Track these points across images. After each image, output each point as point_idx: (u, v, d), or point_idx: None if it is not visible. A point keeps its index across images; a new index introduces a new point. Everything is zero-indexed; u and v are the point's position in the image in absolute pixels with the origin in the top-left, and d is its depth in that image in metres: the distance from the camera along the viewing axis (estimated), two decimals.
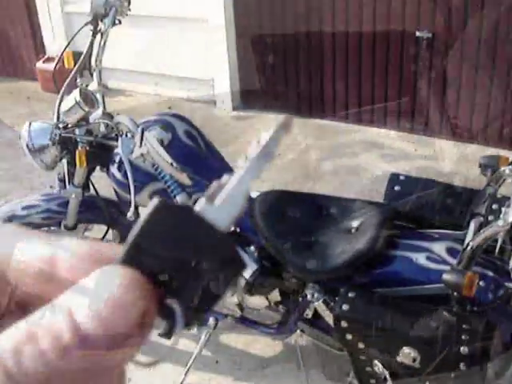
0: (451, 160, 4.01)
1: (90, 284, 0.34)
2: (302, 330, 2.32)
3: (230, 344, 2.69)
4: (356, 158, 4.11)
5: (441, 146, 4.17)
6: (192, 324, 0.37)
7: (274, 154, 0.38)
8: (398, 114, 4.33)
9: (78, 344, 0.32)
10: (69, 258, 0.36)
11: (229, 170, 2.32)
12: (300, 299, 2.27)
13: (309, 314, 2.25)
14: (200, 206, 0.36)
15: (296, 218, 2.19)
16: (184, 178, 1.77)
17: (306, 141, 4.37)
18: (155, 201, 0.36)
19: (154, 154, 1.73)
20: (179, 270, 0.36)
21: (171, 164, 1.72)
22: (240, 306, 2.37)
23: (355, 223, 2.12)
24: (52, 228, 2.79)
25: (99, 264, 0.35)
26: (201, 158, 2.23)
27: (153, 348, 2.68)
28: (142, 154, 1.76)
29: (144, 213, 0.36)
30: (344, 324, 1.89)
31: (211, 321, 2.47)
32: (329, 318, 2.17)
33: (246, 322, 2.47)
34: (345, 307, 1.90)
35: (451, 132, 4.19)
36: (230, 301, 2.35)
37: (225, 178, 0.37)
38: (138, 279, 0.35)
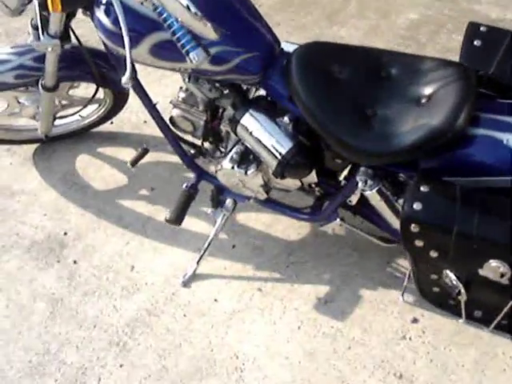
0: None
1: None
2: (341, 219, 1.84)
3: (247, 225, 2.22)
4: None
5: None
6: None
7: None
8: None
9: None
10: None
11: (261, 21, 1.68)
12: (344, 182, 1.76)
13: (353, 200, 1.76)
14: None
15: (346, 80, 1.60)
16: (209, 30, 1.18)
17: None
18: None
19: None
20: None
21: (187, 7, 1.12)
22: (266, 186, 1.87)
23: (427, 90, 1.54)
24: (30, 88, 2.19)
25: None
26: (223, 1, 1.58)
27: (162, 229, 2.24)
28: None
29: None
30: (414, 228, 1.39)
31: (229, 202, 2.00)
32: (378, 208, 1.69)
33: (272, 204, 1.98)
34: (416, 206, 1.39)
35: None
36: (253, 181, 1.84)
37: None
38: None
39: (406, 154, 1.48)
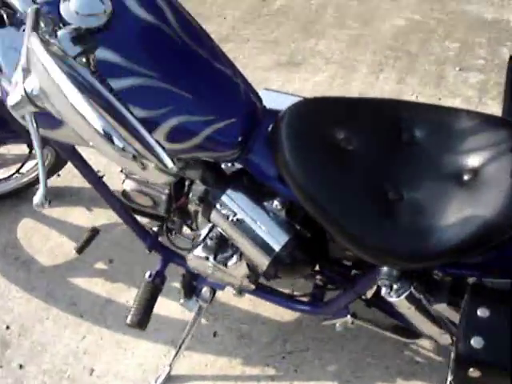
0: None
1: None
2: (353, 315, 1.40)
3: (229, 304, 1.78)
4: (368, 3, 2.94)
5: None
6: None
7: None
8: None
9: None
10: None
11: (234, 72, 1.21)
12: (355, 272, 1.33)
13: (368, 294, 1.32)
14: None
15: (355, 150, 1.16)
16: (156, 175, 0.71)
17: None
18: None
19: (54, 98, 0.65)
20: None
21: (105, 135, 0.65)
22: (253, 275, 1.41)
23: (470, 162, 1.10)
24: None
25: None
26: (174, 47, 1.11)
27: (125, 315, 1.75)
28: (27, 98, 0.68)
29: None
30: (474, 373, 0.96)
31: (206, 291, 1.53)
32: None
33: (261, 293, 1.52)
34: (476, 343, 0.95)
35: None
36: (236, 272, 1.38)
37: None
38: None
39: (449, 257, 1.05)
